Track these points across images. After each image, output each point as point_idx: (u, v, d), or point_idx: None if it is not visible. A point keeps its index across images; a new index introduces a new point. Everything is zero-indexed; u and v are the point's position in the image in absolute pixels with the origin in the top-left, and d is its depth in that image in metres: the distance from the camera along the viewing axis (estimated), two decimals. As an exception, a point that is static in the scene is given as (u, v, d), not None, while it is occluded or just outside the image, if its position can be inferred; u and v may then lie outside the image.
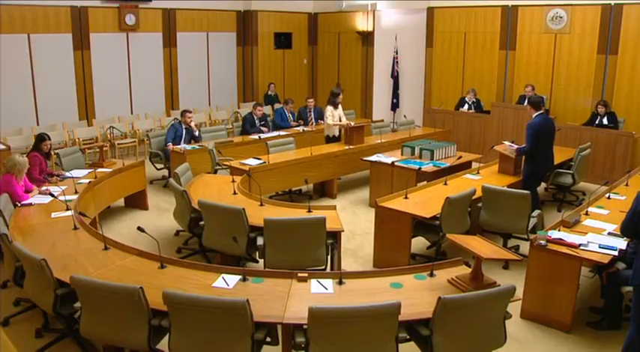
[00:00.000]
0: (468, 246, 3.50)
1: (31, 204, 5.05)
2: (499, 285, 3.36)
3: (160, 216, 6.74)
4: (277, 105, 11.20)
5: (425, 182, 5.97)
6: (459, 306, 3.02)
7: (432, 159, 6.81)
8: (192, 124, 8.05)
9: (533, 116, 5.79)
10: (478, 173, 6.31)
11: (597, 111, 8.38)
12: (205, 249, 5.31)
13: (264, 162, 6.71)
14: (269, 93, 11.93)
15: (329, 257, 4.55)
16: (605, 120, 8.28)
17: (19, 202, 5.03)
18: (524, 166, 6.03)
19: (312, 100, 9.69)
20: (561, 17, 9.47)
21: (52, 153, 7.21)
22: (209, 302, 3.02)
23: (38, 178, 5.79)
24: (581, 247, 4.05)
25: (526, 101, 9.34)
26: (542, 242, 4.11)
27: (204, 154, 7.33)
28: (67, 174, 5.94)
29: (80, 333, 3.40)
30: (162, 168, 8.15)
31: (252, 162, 6.69)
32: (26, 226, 4.54)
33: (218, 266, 3.73)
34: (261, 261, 4.56)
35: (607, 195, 5.39)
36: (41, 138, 6.08)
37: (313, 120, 9.50)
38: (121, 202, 6.96)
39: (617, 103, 8.88)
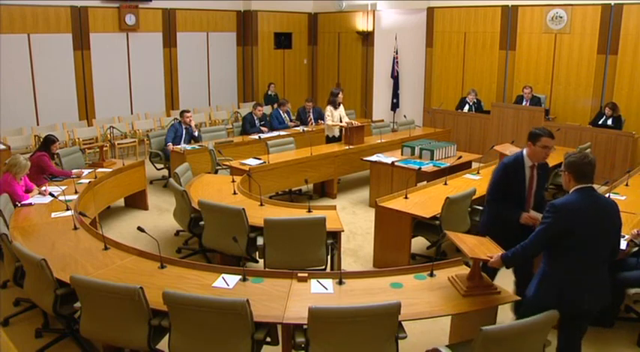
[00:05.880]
0: (462, 243, 3.47)
1: (31, 204, 5.05)
2: (495, 288, 3.34)
3: (160, 216, 6.73)
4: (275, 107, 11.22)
5: (425, 182, 5.96)
6: (499, 338, 2.81)
7: (432, 159, 6.81)
8: (193, 124, 8.06)
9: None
10: (478, 173, 6.31)
11: (604, 111, 8.39)
12: (205, 249, 5.31)
13: (264, 162, 6.71)
14: (269, 93, 11.93)
15: (329, 257, 4.55)
16: (609, 122, 8.29)
17: (19, 202, 5.03)
18: None
19: (310, 104, 9.71)
20: (561, 17, 9.47)
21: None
22: (209, 302, 3.01)
23: (56, 173, 5.98)
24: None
25: (523, 101, 9.34)
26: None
27: (204, 154, 7.34)
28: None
29: (80, 333, 3.40)
30: (162, 168, 8.15)
31: (252, 162, 6.69)
32: (26, 226, 4.53)
33: (218, 267, 3.73)
34: (261, 261, 4.56)
35: (607, 195, 5.38)
36: (51, 141, 6.17)
37: (312, 120, 9.51)
38: (121, 202, 6.96)
39: (617, 103, 8.89)
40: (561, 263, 2.99)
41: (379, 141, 8.03)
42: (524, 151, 3.90)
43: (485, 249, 3.42)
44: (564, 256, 2.98)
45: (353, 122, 8.09)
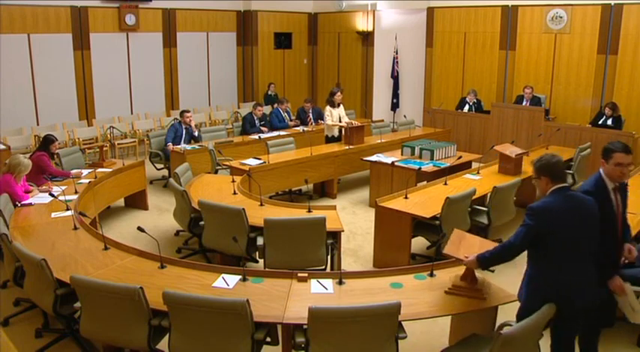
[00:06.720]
0: (455, 241, 3.45)
1: (31, 204, 5.05)
2: (482, 294, 3.28)
3: (160, 216, 6.73)
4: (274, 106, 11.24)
5: (425, 182, 5.96)
6: (513, 339, 2.78)
7: (432, 159, 6.81)
8: (193, 124, 8.06)
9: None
10: (478, 173, 6.31)
11: (604, 111, 8.39)
12: (205, 249, 5.31)
13: (264, 162, 6.71)
14: (269, 93, 11.93)
15: (329, 257, 4.55)
16: (609, 122, 8.29)
17: (19, 202, 5.04)
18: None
19: (309, 104, 9.69)
20: (561, 17, 9.47)
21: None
22: (209, 302, 3.01)
23: (55, 173, 5.97)
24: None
25: (524, 101, 9.33)
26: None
27: (204, 154, 7.34)
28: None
29: (80, 333, 3.40)
30: (162, 168, 8.15)
31: (252, 162, 6.69)
32: (26, 226, 4.54)
33: (218, 267, 3.73)
34: (261, 261, 4.56)
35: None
36: (50, 141, 6.17)
37: (312, 120, 9.51)
38: (121, 202, 6.96)
39: (617, 103, 8.90)
40: (546, 263, 2.97)
41: (379, 141, 8.03)
42: (602, 171, 3.21)
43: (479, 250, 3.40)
44: (548, 257, 2.95)
45: (353, 122, 8.09)
